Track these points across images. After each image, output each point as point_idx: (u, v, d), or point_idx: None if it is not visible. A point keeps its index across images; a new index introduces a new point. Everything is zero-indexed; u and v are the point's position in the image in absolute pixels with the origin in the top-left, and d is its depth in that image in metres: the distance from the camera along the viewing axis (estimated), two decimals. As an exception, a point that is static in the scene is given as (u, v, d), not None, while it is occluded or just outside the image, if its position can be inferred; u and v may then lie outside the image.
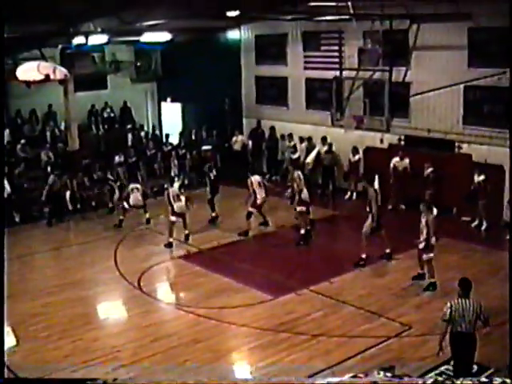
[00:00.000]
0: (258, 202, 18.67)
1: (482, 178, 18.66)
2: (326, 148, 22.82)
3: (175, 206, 18.15)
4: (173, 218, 18.23)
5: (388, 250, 16.48)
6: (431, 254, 14.63)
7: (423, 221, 14.54)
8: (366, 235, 16.15)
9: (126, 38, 25.04)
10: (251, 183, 18.73)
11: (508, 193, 18.17)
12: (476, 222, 19.19)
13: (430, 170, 20.05)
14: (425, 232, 14.52)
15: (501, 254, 16.78)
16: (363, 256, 16.14)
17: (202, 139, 27.43)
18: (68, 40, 21.68)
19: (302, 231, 18.05)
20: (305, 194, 18.12)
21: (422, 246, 14.68)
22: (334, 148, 22.77)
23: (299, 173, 18.64)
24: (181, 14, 18.75)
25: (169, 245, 18.08)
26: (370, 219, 16.07)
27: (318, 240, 18.11)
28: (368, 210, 16.14)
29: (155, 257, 17.49)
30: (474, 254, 16.63)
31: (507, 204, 18.35)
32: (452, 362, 10.90)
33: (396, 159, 21.02)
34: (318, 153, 22.92)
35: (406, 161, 20.91)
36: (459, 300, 10.32)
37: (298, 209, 18.22)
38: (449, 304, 10.34)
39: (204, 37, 26.18)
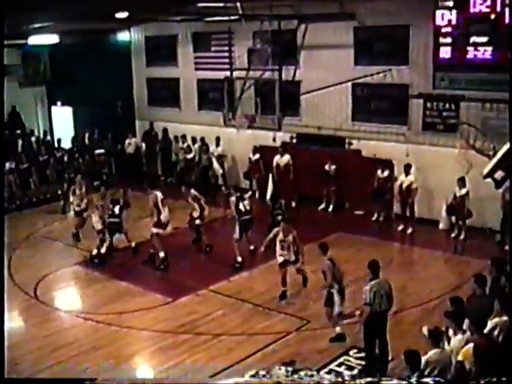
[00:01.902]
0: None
1: (386, 173, 19.09)
2: (219, 149, 23.23)
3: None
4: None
5: (252, 247, 16.77)
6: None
7: (290, 237, 14.11)
8: (236, 240, 16.36)
9: (12, 41, 24.38)
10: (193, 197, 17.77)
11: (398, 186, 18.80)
12: (375, 217, 19.69)
13: (334, 167, 20.48)
14: (292, 248, 14.13)
15: (391, 245, 17.47)
16: (239, 259, 16.30)
17: (94, 143, 27.05)
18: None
19: (162, 254, 16.56)
20: (164, 216, 16.67)
21: (292, 258, 14.28)
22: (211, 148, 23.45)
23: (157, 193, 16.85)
24: (68, 15, 18.44)
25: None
26: (237, 226, 16.33)
27: (214, 240, 18.12)
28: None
29: (51, 264, 17.16)
30: (367, 247, 17.10)
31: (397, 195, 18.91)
32: (364, 345, 11.37)
33: (277, 156, 21.54)
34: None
35: (287, 157, 21.42)
36: (374, 281, 10.93)
37: (154, 230, 16.67)
38: (367, 287, 10.90)
39: (93, 39, 25.84)
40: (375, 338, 11.18)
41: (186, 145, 24.42)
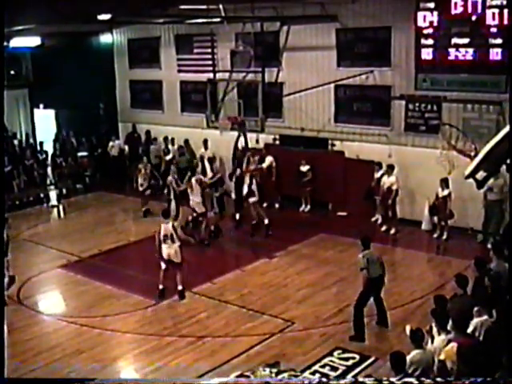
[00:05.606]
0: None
1: (381, 173, 18.91)
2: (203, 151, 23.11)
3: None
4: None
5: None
6: None
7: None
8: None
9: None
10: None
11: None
12: (375, 218, 19.56)
13: (307, 167, 20.53)
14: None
15: (374, 246, 17.37)
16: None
17: (77, 146, 26.96)
18: None
19: (266, 221, 18.40)
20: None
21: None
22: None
23: None
24: (49, 17, 18.32)
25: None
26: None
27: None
28: None
29: (34, 268, 17.07)
30: (350, 248, 17.09)
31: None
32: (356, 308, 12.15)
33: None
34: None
35: (269, 158, 21.39)
36: (366, 251, 12.29)
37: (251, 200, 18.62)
38: (361, 255, 12.34)
39: (76, 41, 25.77)
40: (365, 305, 12.27)
41: (163, 146, 24.50)
